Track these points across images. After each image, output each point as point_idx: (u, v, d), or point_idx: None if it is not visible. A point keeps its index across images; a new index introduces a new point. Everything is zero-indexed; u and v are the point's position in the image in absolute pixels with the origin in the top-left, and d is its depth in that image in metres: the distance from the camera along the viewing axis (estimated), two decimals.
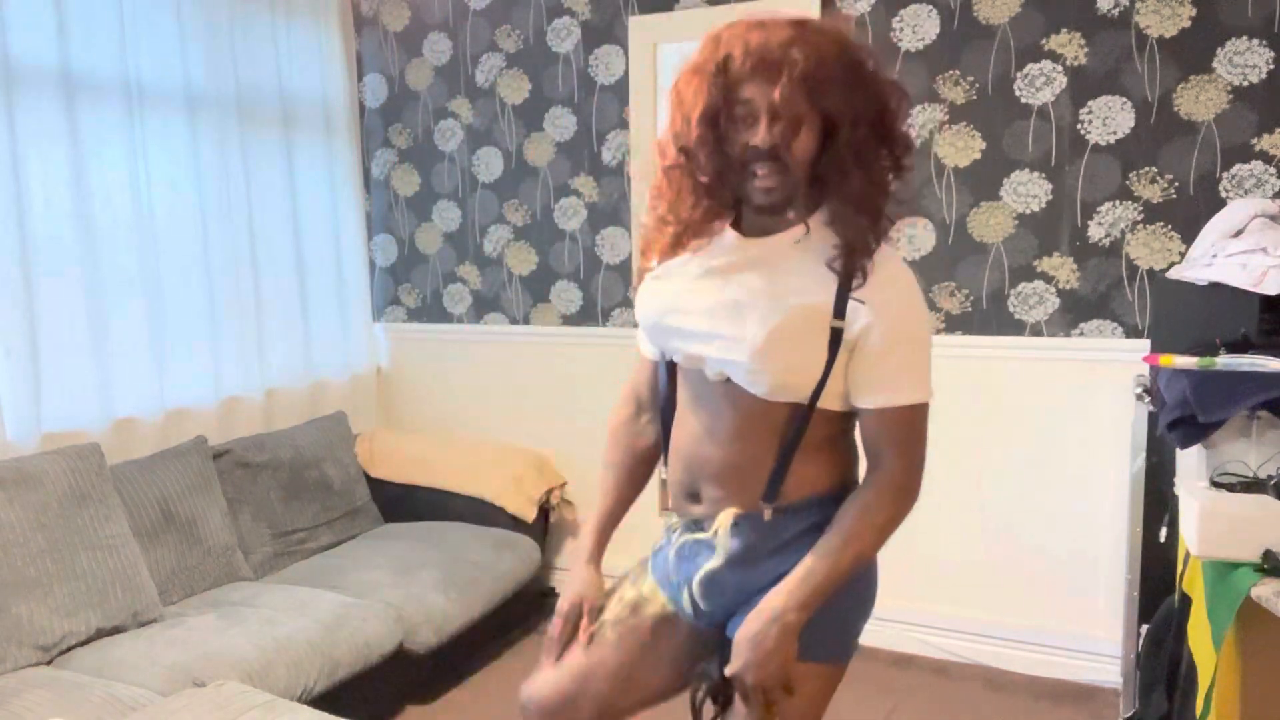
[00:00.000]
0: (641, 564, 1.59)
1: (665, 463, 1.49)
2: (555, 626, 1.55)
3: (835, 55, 1.23)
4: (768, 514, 1.37)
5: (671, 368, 1.46)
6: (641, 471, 1.59)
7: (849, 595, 1.40)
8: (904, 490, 1.39)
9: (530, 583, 3.29)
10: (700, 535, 1.42)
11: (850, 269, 1.28)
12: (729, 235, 1.37)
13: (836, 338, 1.29)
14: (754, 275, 1.32)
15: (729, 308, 1.32)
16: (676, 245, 1.39)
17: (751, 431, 1.35)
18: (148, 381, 2.99)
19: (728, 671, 1.36)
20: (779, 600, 1.33)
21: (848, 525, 1.35)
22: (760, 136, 1.23)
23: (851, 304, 1.28)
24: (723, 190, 1.32)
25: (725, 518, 1.39)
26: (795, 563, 1.35)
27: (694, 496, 1.43)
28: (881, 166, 1.29)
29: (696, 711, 1.46)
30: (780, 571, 1.36)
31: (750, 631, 1.33)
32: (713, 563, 1.40)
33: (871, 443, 1.37)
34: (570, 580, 1.58)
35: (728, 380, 1.35)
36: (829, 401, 1.34)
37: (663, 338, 1.42)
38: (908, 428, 1.36)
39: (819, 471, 1.39)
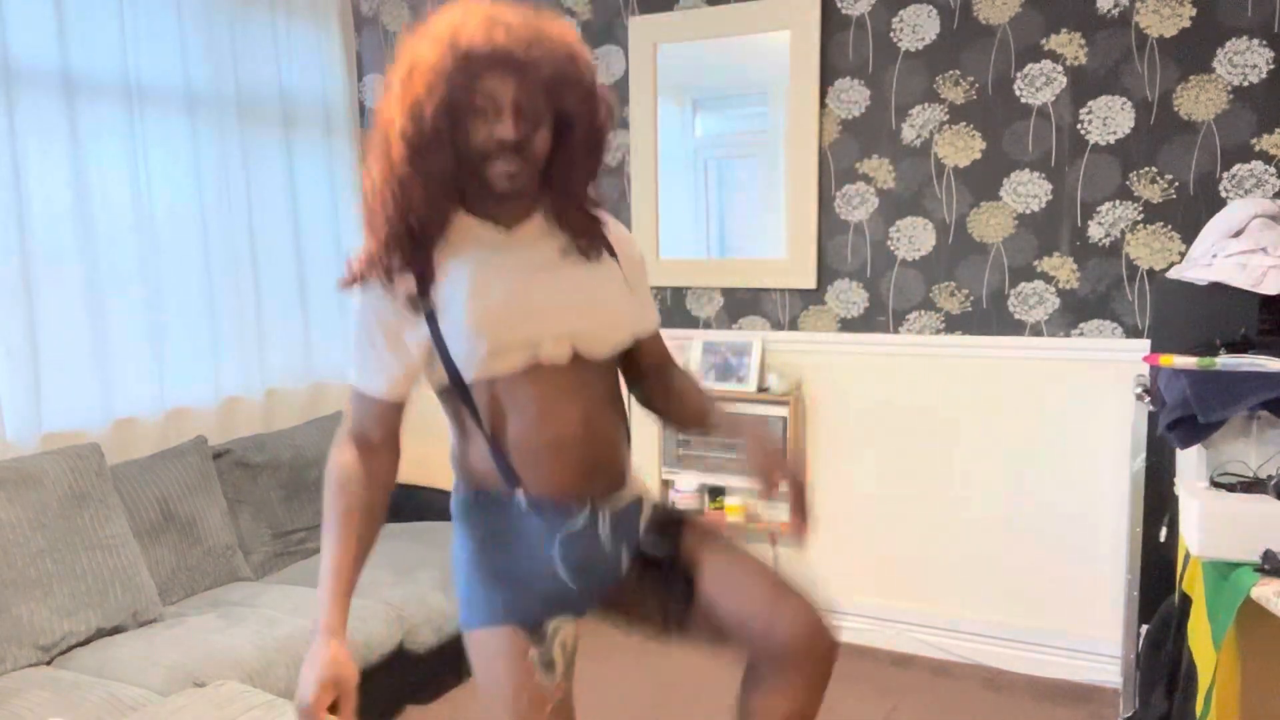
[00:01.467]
0: (512, 628, 1.40)
1: (516, 477, 1.39)
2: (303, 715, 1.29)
3: (570, 61, 1.33)
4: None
5: (462, 388, 1.39)
6: (370, 528, 1.41)
7: None
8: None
9: None
10: (620, 502, 1.48)
11: (594, 246, 1.46)
12: (488, 232, 1.39)
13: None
14: (550, 258, 1.42)
15: (565, 283, 1.41)
16: (416, 244, 1.34)
17: (609, 392, 1.48)
18: (148, 381, 2.99)
19: (767, 488, 1.44)
20: (753, 423, 1.53)
21: (698, 385, 1.63)
22: (506, 129, 1.28)
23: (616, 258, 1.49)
24: (455, 180, 1.33)
25: (639, 480, 1.54)
26: (663, 510, 1.58)
27: (593, 473, 1.43)
28: (595, 162, 1.43)
29: (676, 622, 1.50)
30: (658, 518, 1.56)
31: (766, 442, 1.46)
32: (647, 511, 1.53)
33: (656, 355, 1.61)
34: (310, 659, 1.32)
35: (575, 359, 1.40)
36: None
37: (519, 327, 1.36)
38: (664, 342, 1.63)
39: None
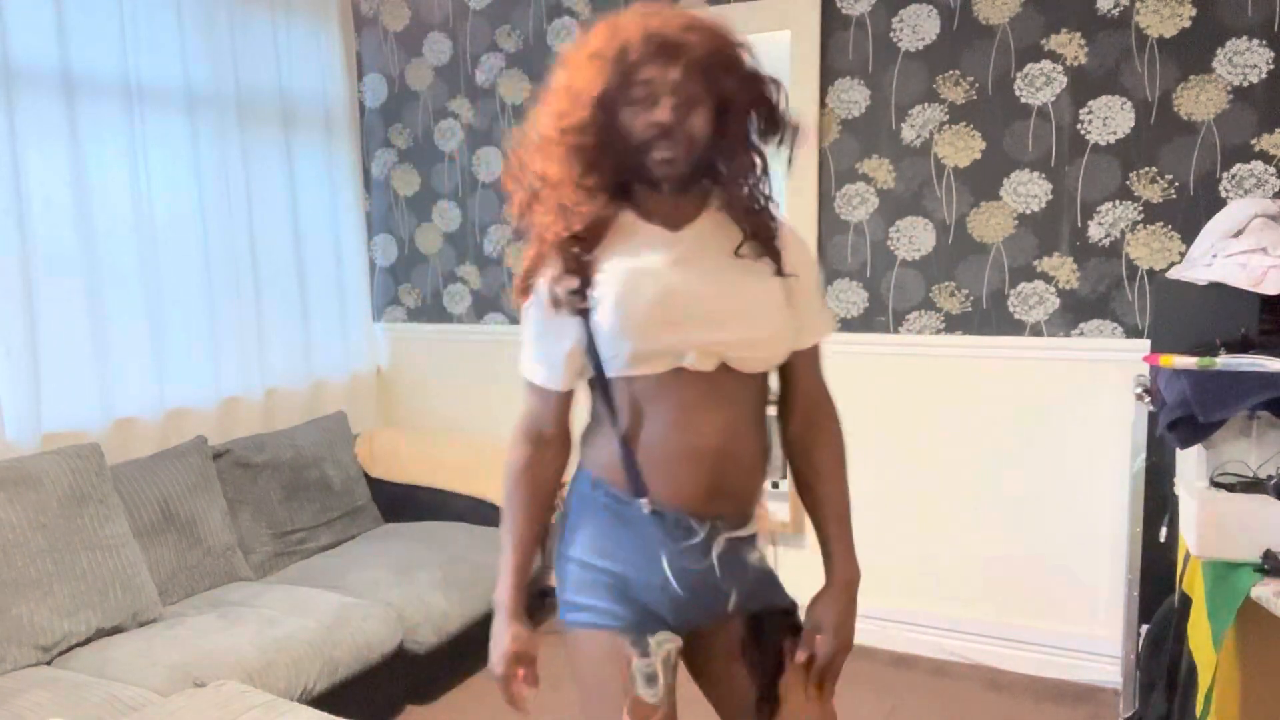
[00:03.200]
0: (617, 633, 1.40)
1: (643, 483, 1.37)
2: (503, 689, 1.45)
3: (726, 43, 1.31)
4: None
5: (605, 384, 1.38)
6: (546, 515, 1.51)
7: None
8: (837, 412, 1.49)
9: (530, 582, 3.29)
10: (739, 532, 1.41)
11: (767, 243, 1.38)
12: (652, 230, 1.36)
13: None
14: (710, 259, 1.36)
15: (722, 290, 1.35)
16: (584, 246, 1.34)
17: (755, 414, 1.40)
18: (148, 381, 3.00)
19: (806, 656, 1.39)
20: (850, 571, 1.45)
21: (836, 471, 1.47)
22: (663, 113, 1.26)
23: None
24: (614, 172, 1.33)
25: (763, 510, 1.45)
26: (763, 554, 1.47)
27: (718, 494, 1.37)
28: (760, 154, 1.38)
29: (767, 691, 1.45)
30: (765, 564, 1.47)
31: (836, 615, 1.41)
32: (753, 557, 1.44)
33: (807, 379, 1.47)
34: (497, 637, 1.46)
35: (721, 369, 1.34)
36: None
37: (666, 327, 1.32)
38: (822, 359, 1.49)
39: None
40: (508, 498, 1.48)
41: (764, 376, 1.42)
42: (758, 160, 1.37)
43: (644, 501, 1.36)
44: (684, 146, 1.29)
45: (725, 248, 1.36)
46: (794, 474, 1.50)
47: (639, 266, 1.34)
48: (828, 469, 1.46)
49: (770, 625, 1.45)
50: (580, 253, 1.34)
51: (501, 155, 3.59)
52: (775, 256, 1.37)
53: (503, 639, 1.45)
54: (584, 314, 1.35)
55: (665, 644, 1.39)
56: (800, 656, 1.40)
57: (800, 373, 1.45)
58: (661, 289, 1.32)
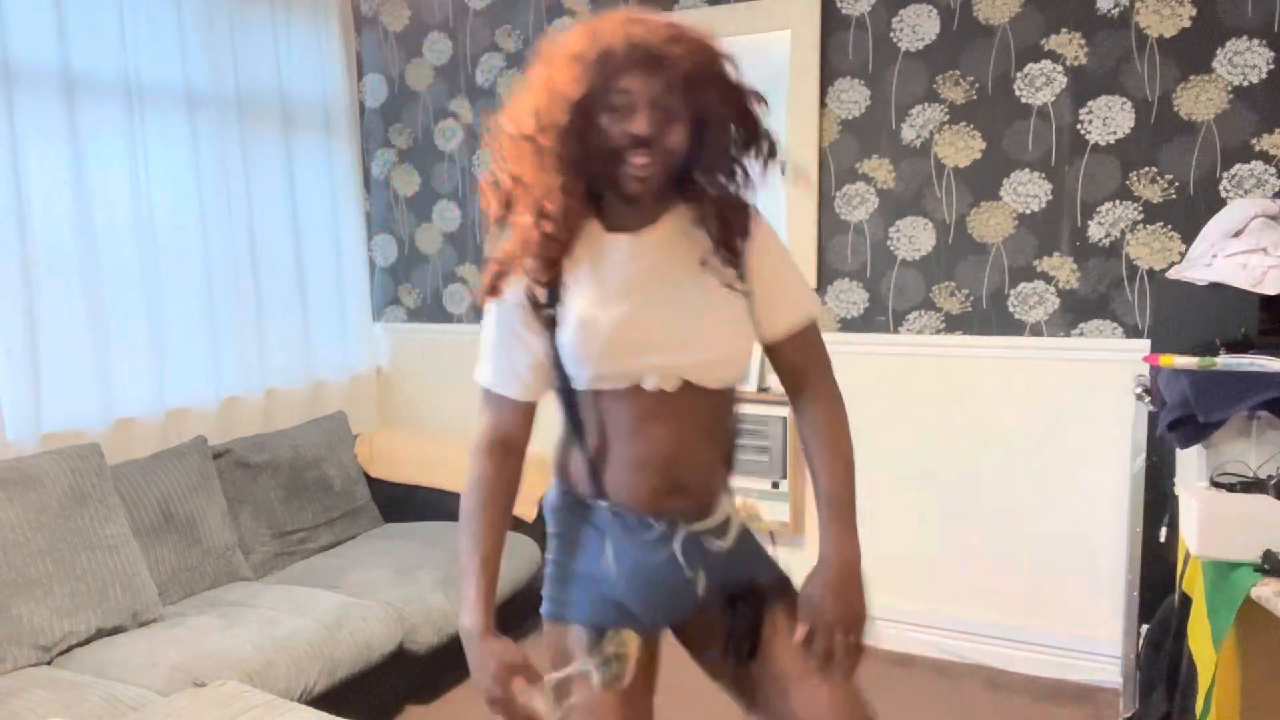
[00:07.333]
0: (577, 627, 1.44)
1: (604, 487, 1.42)
2: (505, 711, 1.39)
3: (709, 57, 1.30)
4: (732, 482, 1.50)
5: (569, 394, 1.41)
6: (509, 521, 1.48)
7: None
8: (839, 394, 1.48)
9: (530, 582, 3.28)
10: (702, 524, 1.43)
11: (735, 253, 1.37)
12: (615, 242, 1.36)
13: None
14: (672, 275, 1.36)
15: (680, 313, 1.36)
16: (557, 250, 1.34)
17: (713, 422, 1.43)
18: (148, 381, 3.00)
19: (803, 632, 1.39)
20: (845, 550, 1.43)
21: (839, 448, 1.46)
22: (639, 125, 1.25)
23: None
24: (584, 179, 1.32)
25: (726, 500, 1.46)
26: (750, 539, 1.49)
27: (674, 493, 1.41)
28: (741, 164, 1.36)
29: (739, 683, 1.46)
30: (745, 549, 1.48)
31: (826, 586, 1.40)
32: (723, 545, 1.45)
33: (795, 364, 1.45)
34: (478, 666, 1.39)
35: (682, 385, 1.36)
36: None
37: (626, 356, 1.35)
38: (817, 339, 1.46)
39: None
40: (469, 517, 1.44)
41: (725, 390, 1.43)
42: (736, 173, 1.37)
43: (605, 504, 1.42)
44: (659, 159, 1.28)
45: (688, 257, 1.37)
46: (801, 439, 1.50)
47: (604, 280, 1.35)
48: (818, 449, 1.46)
49: (744, 597, 1.46)
50: (554, 259, 1.34)
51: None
52: (735, 264, 1.37)
53: (485, 662, 1.38)
54: (551, 326, 1.36)
55: (616, 639, 1.43)
56: (799, 634, 1.40)
57: (785, 356, 1.45)
58: (619, 317, 1.34)
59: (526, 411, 1.46)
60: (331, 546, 3.22)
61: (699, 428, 1.40)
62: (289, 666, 2.38)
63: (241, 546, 2.98)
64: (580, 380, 1.38)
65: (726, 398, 1.45)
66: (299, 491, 3.21)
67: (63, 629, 2.38)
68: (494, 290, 1.40)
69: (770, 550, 1.55)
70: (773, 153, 1.38)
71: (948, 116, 2.92)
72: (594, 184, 1.34)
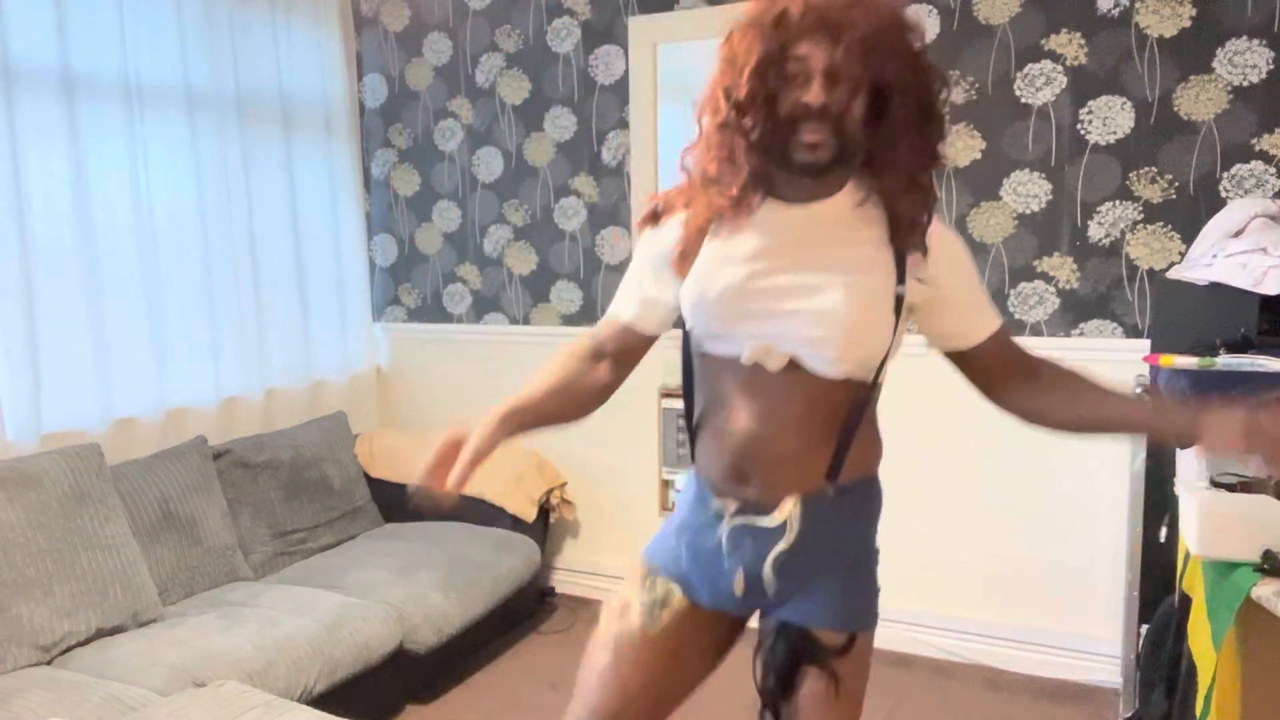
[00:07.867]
0: (645, 567, 1.49)
1: (693, 451, 1.45)
2: (430, 454, 1.43)
3: (893, 26, 1.23)
4: (831, 494, 1.36)
5: (688, 354, 1.44)
6: (575, 401, 1.46)
7: (877, 562, 1.47)
8: (1066, 366, 1.40)
9: (530, 582, 3.29)
10: (759, 520, 1.37)
11: (908, 242, 1.30)
12: (772, 207, 1.31)
13: (898, 307, 1.31)
14: (814, 250, 1.30)
15: (804, 288, 1.29)
16: (714, 215, 1.32)
17: (815, 415, 1.34)
18: (148, 381, 2.99)
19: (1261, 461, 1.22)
20: (1225, 409, 1.21)
21: (1093, 383, 1.35)
22: (814, 94, 1.19)
23: (910, 273, 1.31)
24: (767, 150, 1.27)
25: (792, 502, 1.35)
26: (852, 544, 1.42)
27: (742, 479, 1.37)
28: (925, 144, 1.30)
29: (772, 704, 1.43)
30: (841, 551, 1.40)
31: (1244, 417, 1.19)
32: (782, 545, 1.36)
33: (1006, 359, 1.39)
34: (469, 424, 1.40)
35: (790, 366, 1.31)
36: (884, 375, 1.37)
37: (733, 320, 1.32)
38: (1014, 344, 1.40)
39: (865, 451, 1.41)
40: (543, 368, 1.46)
41: (852, 384, 1.33)
42: (920, 152, 1.28)
43: (692, 470, 1.47)
44: (833, 131, 1.21)
45: (850, 238, 1.30)
46: (1072, 426, 1.38)
47: (732, 251, 1.32)
48: (1096, 388, 1.33)
49: (790, 640, 1.39)
50: (704, 218, 1.34)
51: (500, 154, 3.59)
52: (901, 260, 1.29)
53: (470, 424, 1.38)
54: (684, 275, 1.37)
55: (659, 586, 1.46)
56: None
57: (991, 355, 1.37)
58: (739, 276, 1.30)
59: (630, 340, 1.46)
60: (331, 546, 3.22)
61: (794, 417, 1.33)
62: (289, 666, 2.38)
63: (241, 546, 2.98)
64: (695, 337, 1.39)
65: (846, 394, 1.33)
66: (299, 491, 3.20)
67: (63, 629, 2.38)
68: (653, 219, 1.40)
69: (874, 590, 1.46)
70: (942, 140, 1.31)
71: (948, 116, 2.92)
72: (769, 153, 1.26)
